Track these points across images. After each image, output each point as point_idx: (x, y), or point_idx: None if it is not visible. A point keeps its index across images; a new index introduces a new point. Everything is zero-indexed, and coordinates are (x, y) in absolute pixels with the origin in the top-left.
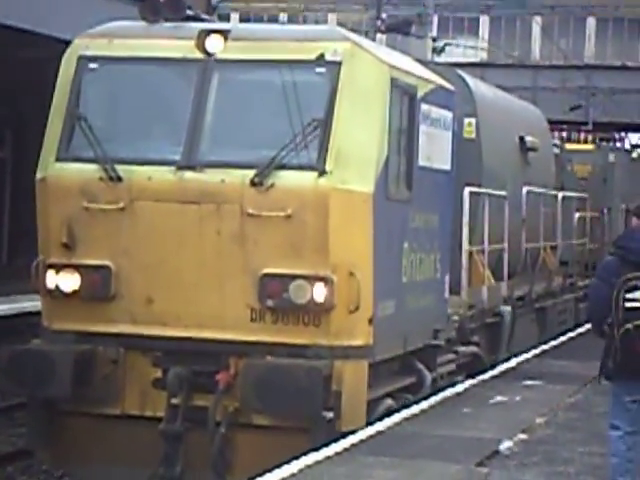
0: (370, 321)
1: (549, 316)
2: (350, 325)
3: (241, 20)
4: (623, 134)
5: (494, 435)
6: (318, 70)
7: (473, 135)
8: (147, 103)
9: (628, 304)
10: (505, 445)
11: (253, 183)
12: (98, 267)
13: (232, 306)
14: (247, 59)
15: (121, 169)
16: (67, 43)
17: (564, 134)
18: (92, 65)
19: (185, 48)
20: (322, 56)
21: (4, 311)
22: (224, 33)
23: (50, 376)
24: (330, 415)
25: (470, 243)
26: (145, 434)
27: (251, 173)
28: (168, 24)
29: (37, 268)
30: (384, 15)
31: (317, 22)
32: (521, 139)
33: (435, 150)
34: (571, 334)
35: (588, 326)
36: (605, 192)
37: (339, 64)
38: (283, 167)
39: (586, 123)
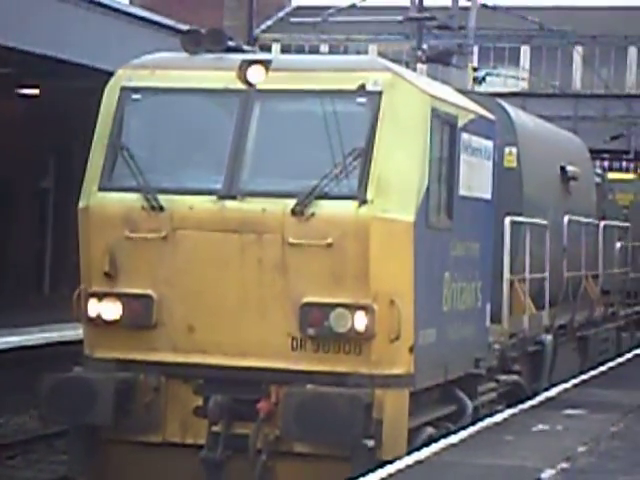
0: (411, 350)
1: (591, 345)
2: (391, 354)
3: (282, 51)
4: None
5: (536, 464)
6: (359, 100)
7: (514, 164)
8: (189, 133)
9: None
10: (547, 474)
11: (294, 212)
12: (140, 296)
13: (273, 334)
14: (288, 89)
15: (163, 198)
16: (110, 73)
17: (605, 163)
18: (134, 96)
19: (227, 79)
20: (363, 86)
21: (46, 339)
22: (265, 64)
23: (92, 404)
24: (371, 443)
25: (511, 272)
26: (186, 462)
27: (292, 202)
28: (210, 55)
29: (79, 297)
30: (425, 45)
31: (358, 52)
32: (562, 168)
33: (476, 179)
34: (613, 363)
35: (629, 355)
36: None
37: (380, 94)
38: (324, 196)
39: (628, 152)
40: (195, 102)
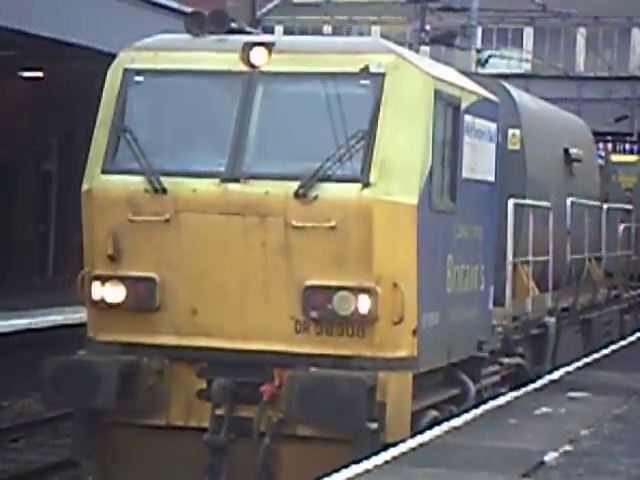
0: (414, 332)
1: (594, 328)
2: (394, 336)
3: (285, 32)
4: None
5: (539, 446)
6: (362, 82)
7: (517, 146)
8: (192, 115)
9: None
10: (550, 456)
11: (297, 195)
12: (143, 278)
13: (276, 317)
14: (291, 71)
15: (166, 181)
16: (113, 56)
17: (609, 145)
18: (137, 78)
19: (230, 61)
20: (366, 68)
21: (50, 322)
22: (268, 46)
23: (95, 387)
24: (374, 426)
25: (514, 254)
26: (190, 445)
27: (295, 185)
28: (213, 37)
29: (83, 280)
30: (428, 27)
31: (361, 34)
32: (565, 150)
33: (479, 161)
34: (616, 345)
35: (633, 338)
36: None
37: (383, 76)
38: (327, 179)
39: (631, 134)
40: (198, 84)
